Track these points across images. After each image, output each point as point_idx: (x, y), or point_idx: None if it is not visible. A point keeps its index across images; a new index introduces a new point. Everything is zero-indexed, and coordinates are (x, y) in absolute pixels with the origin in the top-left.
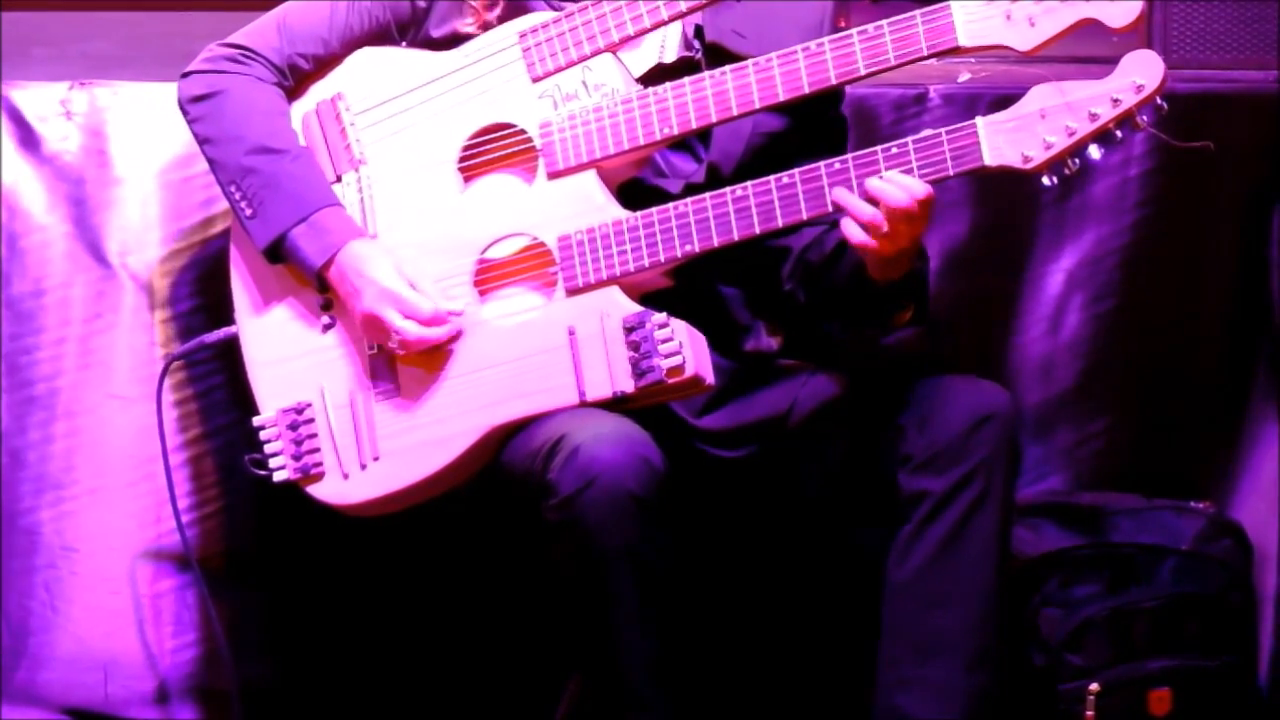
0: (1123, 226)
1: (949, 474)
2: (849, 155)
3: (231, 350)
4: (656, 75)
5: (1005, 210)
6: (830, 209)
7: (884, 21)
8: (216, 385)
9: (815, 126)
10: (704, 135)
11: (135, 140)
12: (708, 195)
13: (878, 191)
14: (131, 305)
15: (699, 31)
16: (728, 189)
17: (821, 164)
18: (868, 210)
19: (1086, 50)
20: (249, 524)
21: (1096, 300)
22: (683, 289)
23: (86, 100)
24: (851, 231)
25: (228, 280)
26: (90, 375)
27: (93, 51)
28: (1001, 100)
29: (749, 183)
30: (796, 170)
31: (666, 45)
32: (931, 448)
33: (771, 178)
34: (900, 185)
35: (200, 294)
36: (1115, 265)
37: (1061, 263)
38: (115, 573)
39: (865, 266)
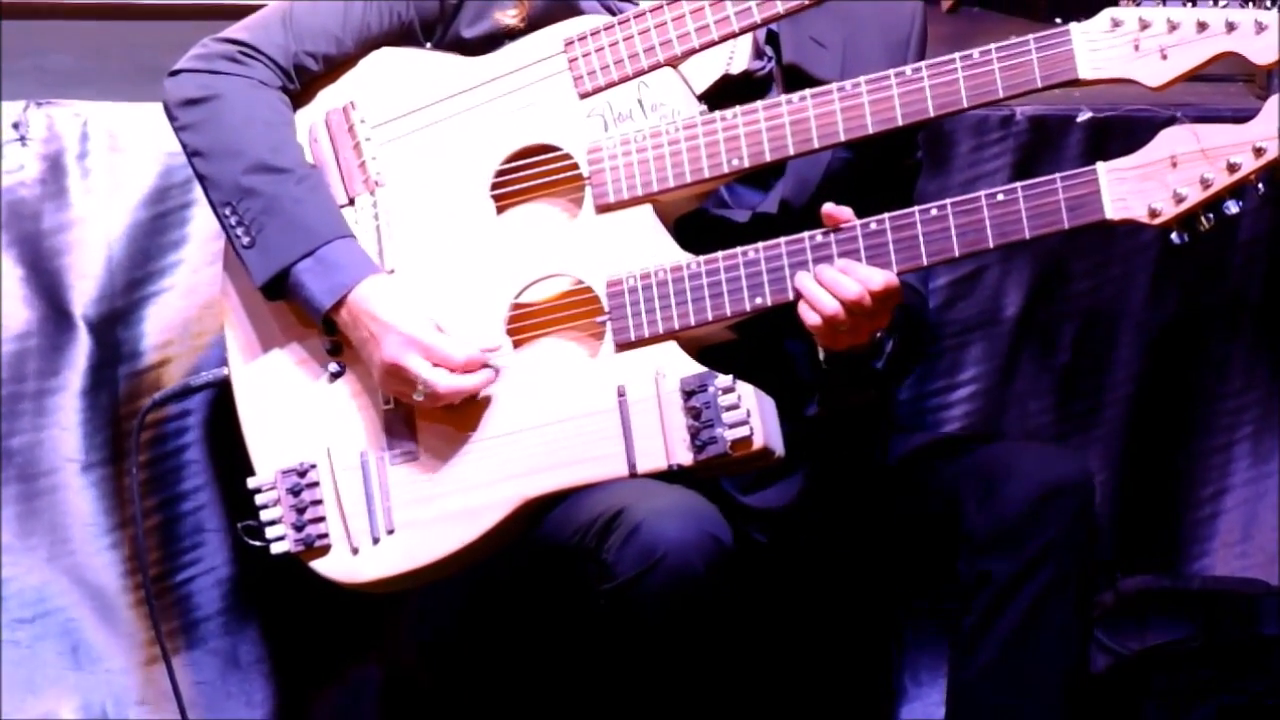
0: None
1: (1016, 556)
2: (947, 201)
3: (220, 399)
4: (721, 90)
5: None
6: (925, 262)
7: (991, 47)
8: (195, 440)
9: (888, 168)
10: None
11: (99, 171)
12: (782, 240)
13: (831, 282)
14: (93, 360)
15: (772, 38)
16: (806, 234)
17: (916, 210)
18: (830, 304)
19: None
20: (224, 595)
21: None
22: (746, 344)
23: (44, 122)
24: (807, 315)
25: (220, 317)
26: (47, 436)
27: (51, 66)
28: (1103, 124)
29: (832, 228)
30: (886, 216)
31: (735, 55)
32: (995, 526)
33: (858, 223)
34: (858, 277)
35: (171, 347)
36: None
37: None
38: (76, 646)
39: None
